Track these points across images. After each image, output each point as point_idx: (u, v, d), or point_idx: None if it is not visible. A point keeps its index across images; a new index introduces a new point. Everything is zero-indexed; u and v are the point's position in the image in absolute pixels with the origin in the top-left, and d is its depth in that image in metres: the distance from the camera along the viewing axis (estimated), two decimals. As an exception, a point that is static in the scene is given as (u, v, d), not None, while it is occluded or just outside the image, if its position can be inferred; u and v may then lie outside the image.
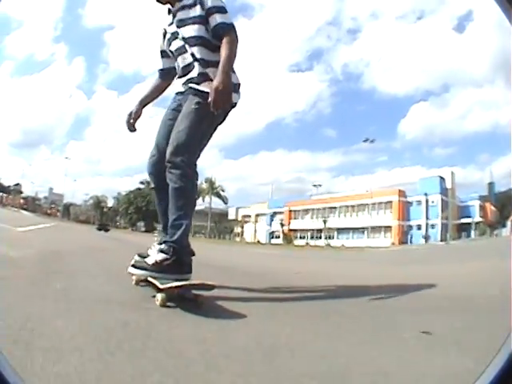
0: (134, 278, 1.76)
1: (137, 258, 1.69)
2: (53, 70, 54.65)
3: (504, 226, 34.70)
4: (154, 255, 1.59)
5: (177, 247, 1.56)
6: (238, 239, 37.39)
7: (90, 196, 46.36)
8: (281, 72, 62.35)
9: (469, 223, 33.28)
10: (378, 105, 47.80)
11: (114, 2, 57.66)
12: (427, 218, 32.34)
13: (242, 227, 39.58)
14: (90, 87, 62.75)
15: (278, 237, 37.23)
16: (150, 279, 1.57)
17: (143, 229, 37.68)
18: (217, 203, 38.95)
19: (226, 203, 39.60)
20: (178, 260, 1.56)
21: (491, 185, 37.26)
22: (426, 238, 31.25)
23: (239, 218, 40.34)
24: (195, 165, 1.67)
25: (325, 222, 33.95)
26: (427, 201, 32.65)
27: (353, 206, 34.09)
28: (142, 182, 41.54)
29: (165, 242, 1.60)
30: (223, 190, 38.12)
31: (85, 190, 51.78)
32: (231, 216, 41.83)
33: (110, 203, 46.03)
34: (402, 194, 32.68)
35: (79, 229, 18.28)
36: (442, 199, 32.67)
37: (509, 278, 1.14)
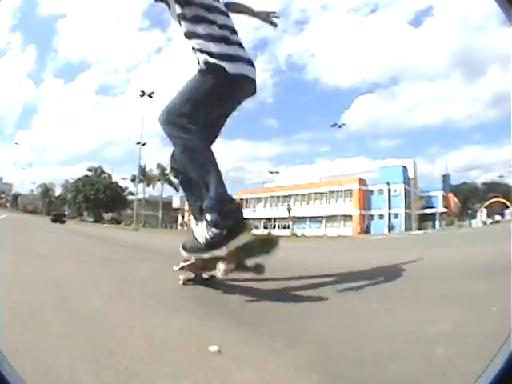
0: (181, 278, 1.82)
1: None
2: (7, 59, 52.06)
3: (474, 217, 35.06)
4: (203, 233, 1.57)
5: (221, 200, 1.55)
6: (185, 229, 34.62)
7: (38, 184, 43.26)
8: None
9: (433, 214, 32.98)
10: (321, 96, 47.24)
11: None
12: (389, 208, 31.38)
13: (189, 216, 36.70)
14: (38, 75, 58.01)
15: None
16: (206, 256, 1.61)
17: (91, 219, 34.32)
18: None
19: (177, 191, 36.75)
20: (229, 219, 1.55)
21: (446, 177, 37.25)
22: (391, 227, 30.53)
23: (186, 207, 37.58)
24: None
25: (289, 210, 32.49)
26: (389, 190, 31.80)
27: (310, 195, 32.73)
28: (89, 169, 38.48)
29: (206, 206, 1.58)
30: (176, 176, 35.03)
31: (32, 179, 49.96)
32: (175, 205, 38.86)
33: (58, 192, 42.07)
34: (362, 182, 31.79)
35: (33, 221, 17.17)
36: (405, 189, 31.72)
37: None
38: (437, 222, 32.38)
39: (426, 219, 32.51)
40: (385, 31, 48.98)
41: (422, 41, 46.76)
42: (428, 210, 33.31)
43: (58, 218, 21.41)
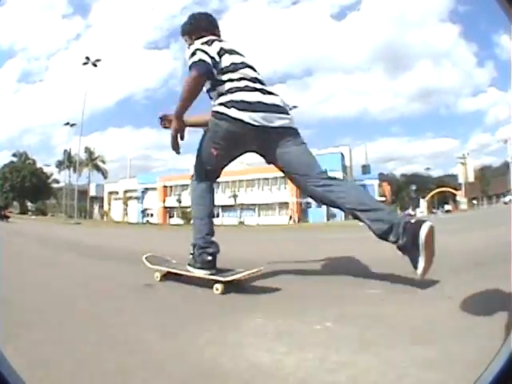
0: (157, 274, 1.97)
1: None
2: None
3: (418, 206, 36.82)
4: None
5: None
6: (105, 219, 32.97)
7: None
8: (137, 49, 65.18)
9: None
10: None
11: None
12: None
13: (109, 205, 35.17)
14: None
15: (151, 215, 35.06)
16: (207, 276, 1.76)
17: (17, 211, 31.52)
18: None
19: (105, 177, 34.94)
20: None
21: (366, 167, 39.04)
22: (331, 215, 30.69)
23: (105, 196, 35.98)
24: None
25: (235, 197, 31.65)
26: None
27: (241, 181, 32.63)
28: (14, 155, 35.46)
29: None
30: (103, 162, 33.35)
31: None
32: (92, 193, 38.13)
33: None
34: None
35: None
36: (343, 177, 31.62)
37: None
38: None
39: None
40: (303, 23, 50.75)
41: (343, 34, 47.99)
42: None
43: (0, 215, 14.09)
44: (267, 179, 31.97)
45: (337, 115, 56.11)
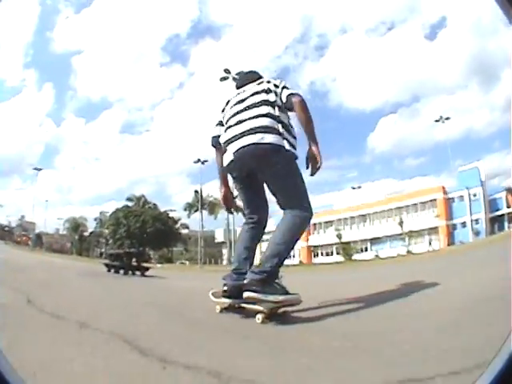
0: (217, 307, 2.25)
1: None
2: (23, 97, 51.29)
3: None
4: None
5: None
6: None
7: (66, 219, 37.89)
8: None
9: (500, 215, 31.09)
10: (345, 121, 47.55)
11: (82, 25, 53.50)
12: (471, 214, 30.16)
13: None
14: (58, 114, 57.55)
15: (291, 256, 32.33)
16: (245, 305, 2.06)
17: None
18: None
19: (215, 218, 32.54)
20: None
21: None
22: (476, 233, 28.91)
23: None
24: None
25: (339, 236, 30.90)
26: (469, 195, 30.47)
27: (390, 210, 31.44)
28: (129, 199, 34.00)
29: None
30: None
31: (56, 220, 48.14)
32: (219, 238, 36.90)
33: (91, 227, 37.44)
34: (444, 190, 30.88)
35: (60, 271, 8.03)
36: (483, 191, 30.62)
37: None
38: (505, 224, 30.77)
39: (494, 221, 31.35)
40: (403, 48, 48.42)
41: (439, 53, 45.93)
42: (497, 212, 32.85)
43: (136, 266, 7.67)
44: (416, 205, 30.64)
45: (447, 137, 53.90)
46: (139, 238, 32.67)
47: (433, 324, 1.67)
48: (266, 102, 2.19)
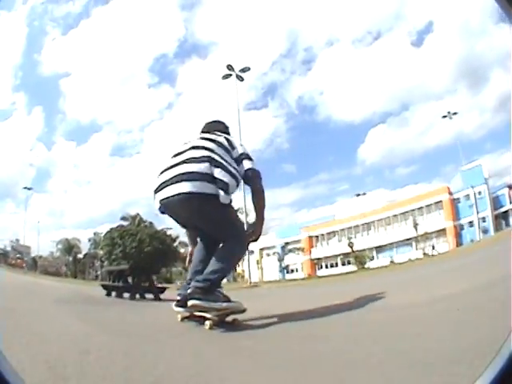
0: (179, 316, 2.39)
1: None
2: (14, 121, 50.11)
3: None
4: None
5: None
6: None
7: (59, 240, 38.32)
8: (236, 111, 60.59)
9: (505, 212, 30.62)
10: (334, 134, 46.69)
11: (69, 47, 51.38)
12: (477, 212, 29.31)
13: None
14: (49, 138, 56.93)
15: (294, 271, 33.68)
16: (196, 313, 2.15)
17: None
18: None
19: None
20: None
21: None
22: (484, 231, 28.24)
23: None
24: None
25: (351, 245, 29.75)
26: (475, 193, 29.66)
27: (395, 216, 30.66)
28: (124, 218, 32.27)
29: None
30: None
31: (50, 243, 46.16)
32: None
33: (85, 249, 36.15)
34: (449, 191, 30.14)
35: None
36: (487, 188, 29.81)
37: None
38: (510, 220, 30.19)
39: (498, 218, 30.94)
40: (390, 57, 47.36)
41: (426, 59, 45.61)
42: (502, 209, 31.76)
43: (138, 284, 6.20)
44: (422, 208, 29.99)
45: (438, 144, 52.34)
46: (136, 258, 31.32)
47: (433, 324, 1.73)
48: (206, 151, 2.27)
